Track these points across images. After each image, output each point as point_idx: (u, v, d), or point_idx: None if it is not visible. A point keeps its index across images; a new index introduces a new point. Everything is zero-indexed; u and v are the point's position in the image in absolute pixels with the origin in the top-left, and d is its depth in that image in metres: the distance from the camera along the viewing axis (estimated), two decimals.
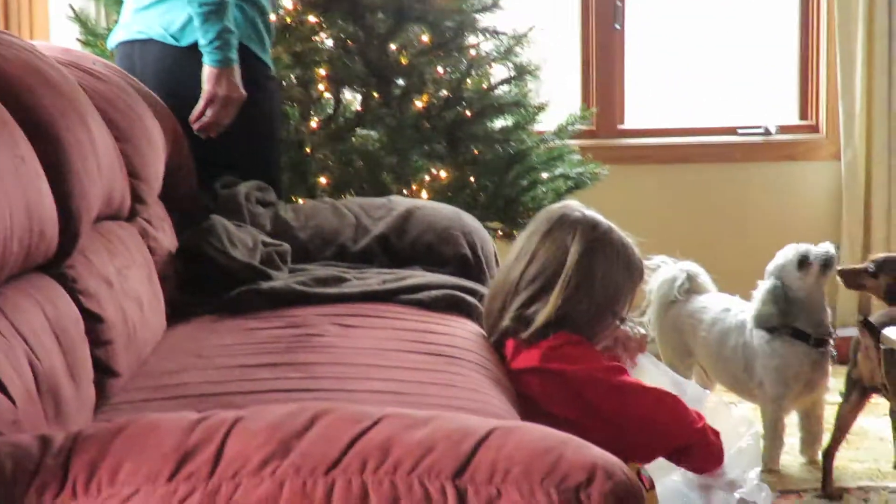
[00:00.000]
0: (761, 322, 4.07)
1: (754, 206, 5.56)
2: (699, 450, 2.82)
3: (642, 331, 3.13)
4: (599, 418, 2.73)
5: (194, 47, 3.56)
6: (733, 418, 3.06)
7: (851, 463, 4.12)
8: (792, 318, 4.03)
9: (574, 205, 2.96)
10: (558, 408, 2.74)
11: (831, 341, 4.06)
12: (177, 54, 3.62)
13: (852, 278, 4.03)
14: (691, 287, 4.35)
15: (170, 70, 3.63)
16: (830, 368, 4.09)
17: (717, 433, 2.83)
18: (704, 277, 4.41)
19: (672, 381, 3.06)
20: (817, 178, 5.57)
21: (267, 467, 1.72)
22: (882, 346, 3.46)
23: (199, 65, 3.55)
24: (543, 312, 2.81)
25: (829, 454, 3.93)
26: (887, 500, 3.85)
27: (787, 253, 4.08)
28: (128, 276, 2.82)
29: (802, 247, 4.06)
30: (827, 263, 4.01)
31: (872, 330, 3.65)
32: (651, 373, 3.06)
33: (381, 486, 1.69)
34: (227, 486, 1.71)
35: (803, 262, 4.03)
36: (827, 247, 4.03)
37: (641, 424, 2.76)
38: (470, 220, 3.68)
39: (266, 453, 1.73)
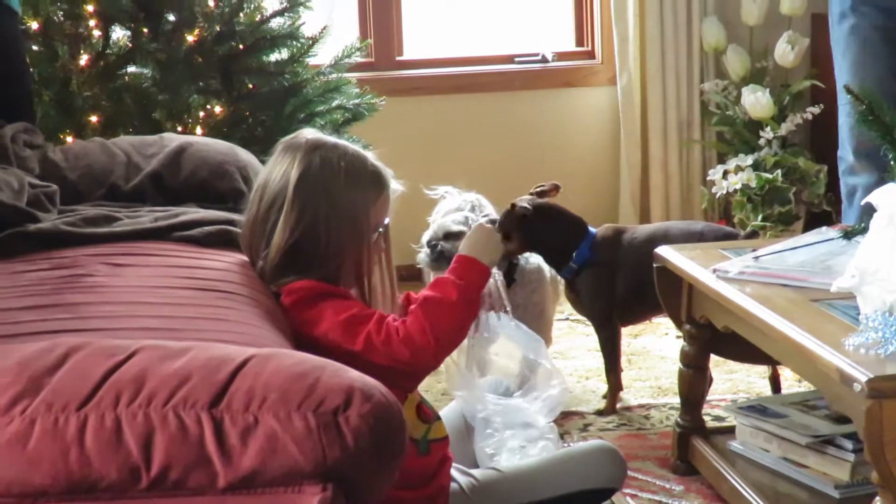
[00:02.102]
0: None
1: (534, 133, 5.62)
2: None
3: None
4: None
5: None
6: (546, 372, 3.09)
7: (634, 382, 4.20)
8: None
9: (306, 131, 2.79)
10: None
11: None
12: None
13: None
14: None
15: None
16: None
17: (416, 336, 2.61)
18: (489, 207, 4.44)
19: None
20: (595, 103, 5.65)
21: (17, 406, 1.68)
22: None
23: None
24: (274, 250, 2.68)
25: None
26: (668, 415, 3.94)
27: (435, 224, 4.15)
28: None
29: (437, 229, 4.12)
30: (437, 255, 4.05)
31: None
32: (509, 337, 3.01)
33: (135, 419, 1.67)
34: None
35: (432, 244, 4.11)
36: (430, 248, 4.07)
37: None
38: (244, 155, 3.62)
39: (16, 392, 1.69)
